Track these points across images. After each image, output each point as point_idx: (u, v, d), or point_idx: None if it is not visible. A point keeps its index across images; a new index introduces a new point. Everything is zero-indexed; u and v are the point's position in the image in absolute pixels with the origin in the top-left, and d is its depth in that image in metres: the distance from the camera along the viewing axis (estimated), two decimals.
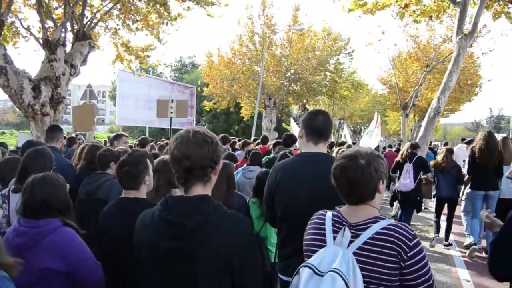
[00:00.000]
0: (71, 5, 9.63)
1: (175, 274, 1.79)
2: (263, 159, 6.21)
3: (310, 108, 32.23)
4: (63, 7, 9.95)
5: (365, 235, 1.86)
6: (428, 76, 20.44)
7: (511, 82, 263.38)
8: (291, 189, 2.72)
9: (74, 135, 8.98)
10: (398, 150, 19.95)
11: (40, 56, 9.71)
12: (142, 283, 1.90)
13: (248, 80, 24.09)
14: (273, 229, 2.83)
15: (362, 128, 45.00)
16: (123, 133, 7.47)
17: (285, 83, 24.97)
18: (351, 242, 1.88)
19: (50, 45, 9.38)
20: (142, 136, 8.76)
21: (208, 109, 29.15)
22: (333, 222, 1.99)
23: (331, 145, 9.15)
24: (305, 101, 28.60)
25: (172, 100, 10.76)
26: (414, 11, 11.36)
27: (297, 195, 2.67)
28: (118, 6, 10.95)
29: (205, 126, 45.44)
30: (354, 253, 1.83)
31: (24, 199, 2.48)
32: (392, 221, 1.93)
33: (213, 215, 1.80)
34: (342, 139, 18.82)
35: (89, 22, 10.54)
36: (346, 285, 1.70)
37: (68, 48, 10.16)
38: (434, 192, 8.27)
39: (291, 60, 24.02)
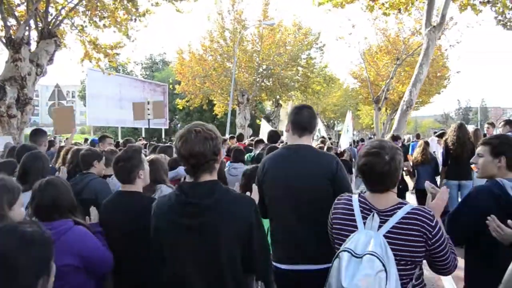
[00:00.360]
0: (34, 1, 9.32)
1: (195, 247, 2.11)
2: (246, 156, 6.22)
3: (283, 104, 32.40)
4: (25, 4, 9.62)
5: (392, 220, 2.12)
6: (399, 69, 20.75)
7: (477, 74, 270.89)
8: (277, 177, 2.88)
9: (53, 138, 8.78)
10: None
11: (3, 56, 9.40)
12: (168, 263, 2.21)
13: (221, 77, 23.94)
14: (266, 220, 2.94)
15: (335, 122, 45.46)
16: (107, 134, 7.45)
17: (258, 79, 24.94)
18: (380, 226, 2.13)
19: (13, 44, 9.06)
20: (126, 138, 8.70)
21: (181, 107, 28.84)
22: (361, 208, 2.24)
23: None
24: (278, 96, 28.68)
25: (148, 102, 10.79)
26: (383, 4, 11.47)
27: (281, 179, 2.85)
28: (84, 2, 10.66)
29: (179, 125, 45.00)
30: (384, 236, 2.07)
31: (35, 203, 2.64)
32: (413, 205, 2.20)
33: (225, 196, 2.16)
34: (316, 133, 18.92)
35: (54, 20, 10.23)
36: (383, 265, 1.95)
37: (33, 47, 9.85)
38: (413, 184, 8.27)
39: (262, 56, 23.99)
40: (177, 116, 44.63)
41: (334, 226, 2.33)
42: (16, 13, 10.03)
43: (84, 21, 11.50)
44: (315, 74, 27.82)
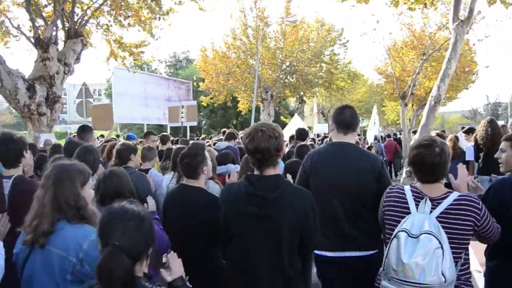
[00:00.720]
0: (61, 2, 9.50)
1: (259, 235, 2.43)
2: None
3: (307, 100, 32.23)
4: (52, 4, 9.81)
5: (443, 205, 2.37)
6: (425, 64, 20.33)
7: (507, 69, 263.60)
8: (325, 172, 3.13)
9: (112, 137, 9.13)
10: (396, 140, 19.95)
11: (32, 56, 9.61)
12: (234, 243, 2.55)
13: (244, 74, 23.97)
14: None
15: (360, 119, 44.96)
16: (152, 131, 7.90)
17: (281, 75, 24.86)
18: (431, 211, 2.36)
19: (42, 44, 9.27)
20: (163, 134, 9.01)
21: (205, 104, 29.03)
22: (414, 196, 2.48)
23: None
24: (302, 93, 28.51)
25: (183, 106, 11.40)
26: None
27: (330, 176, 3.10)
28: (109, 2, 10.81)
29: (203, 122, 45.28)
30: (436, 219, 2.31)
31: (100, 191, 2.91)
32: (461, 192, 2.49)
33: (287, 190, 2.48)
34: None
35: (80, 19, 10.42)
36: (439, 243, 2.18)
37: (61, 46, 10.05)
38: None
39: (285, 53, 23.89)
40: (201, 113, 44.95)
41: (386, 212, 2.60)
42: (44, 14, 10.25)
43: (109, 21, 11.65)
44: (339, 70, 27.55)
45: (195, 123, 12.97)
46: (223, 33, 24.82)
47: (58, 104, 9.60)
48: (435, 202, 2.40)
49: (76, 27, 10.10)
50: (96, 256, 1.78)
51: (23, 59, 12.36)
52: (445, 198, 2.41)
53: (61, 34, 10.21)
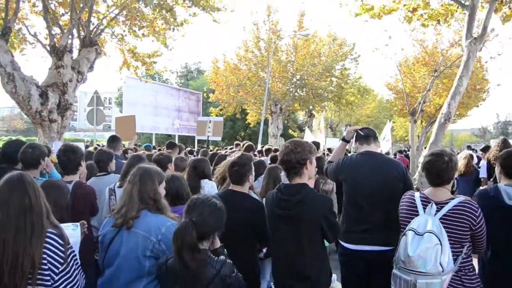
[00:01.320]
0: (78, 11, 9.63)
1: (286, 231, 3.00)
2: None
3: (316, 114, 32.24)
4: (69, 13, 9.95)
5: (446, 208, 2.86)
6: (436, 81, 20.29)
7: None
8: (356, 178, 3.63)
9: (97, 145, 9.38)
10: (407, 156, 19.85)
11: (47, 63, 9.72)
12: (271, 238, 3.20)
13: (254, 86, 24.04)
14: None
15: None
16: (174, 141, 8.49)
17: (291, 89, 24.91)
18: (436, 213, 2.85)
19: (57, 51, 9.38)
20: (170, 141, 9.26)
21: (214, 115, 29.15)
22: (422, 200, 2.99)
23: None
24: (311, 107, 28.52)
25: (210, 121, 12.09)
26: (421, 15, 11.25)
27: (361, 184, 3.59)
28: (124, 12, 10.95)
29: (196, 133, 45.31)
30: (440, 220, 2.81)
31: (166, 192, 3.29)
32: (462, 198, 2.92)
33: (309, 195, 2.99)
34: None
35: (95, 29, 10.54)
36: (439, 240, 2.69)
37: (75, 54, 10.16)
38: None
39: (296, 66, 23.96)
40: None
41: (401, 213, 3.12)
42: (60, 22, 10.40)
43: (124, 30, 11.81)
44: (349, 85, 27.56)
45: (219, 138, 13.41)
46: (235, 45, 24.98)
47: (69, 111, 9.67)
48: (439, 206, 2.90)
49: (91, 36, 10.22)
50: (170, 239, 2.43)
51: (37, 66, 12.53)
52: (448, 202, 2.90)
53: (76, 43, 10.33)
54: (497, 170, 3.47)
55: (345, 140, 4.10)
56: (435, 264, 2.69)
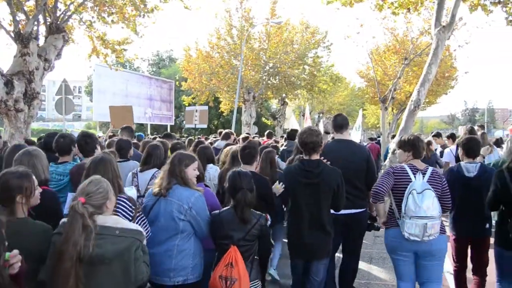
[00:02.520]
0: None
1: (309, 194, 3.99)
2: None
3: (289, 102, 32.34)
4: None
5: (427, 174, 4.01)
6: (406, 69, 20.63)
7: (485, 75, 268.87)
8: (334, 160, 4.34)
9: (111, 133, 9.78)
10: (378, 143, 20.17)
11: (12, 50, 9.40)
12: (294, 200, 4.15)
13: (227, 74, 23.91)
14: None
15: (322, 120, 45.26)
16: (172, 133, 9.10)
17: (264, 77, 24.89)
18: (423, 177, 3.97)
19: (22, 38, 9.08)
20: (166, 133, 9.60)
21: (187, 104, 28.87)
22: (411, 169, 4.04)
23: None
24: (284, 95, 28.61)
25: (197, 110, 13.67)
26: (392, 3, 11.38)
27: (338, 163, 4.30)
28: None
29: (184, 121, 45.01)
30: (427, 181, 3.94)
31: None
32: (431, 167, 4.17)
33: (326, 168, 4.05)
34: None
35: (62, 15, 10.24)
36: (434, 195, 3.83)
37: (41, 41, 9.87)
38: None
39: (269, 54, 23.93)
40: (183, 113, 44.69)
41: (397, 179, 4.04)
42: (25, 8, 10.04)
43: (93, 17, 11.49)
44: (321, 73, 27.74)
45: (205, 126, 14.02)
46: (207, 33, 24.70)
47: (37, 100, 9.41)
48: (423, 172, 4.02)
49: (58, 22, 9.93)
50: (199, 207, 3.51)
51: (1, 53, 12.12)
52: (427, 170, 4.07)
53: (42, 29, 10.02)
54: (460, 152, 4.81)
55: (327, 132, 5.22)
56: (436, 210, 3.81)
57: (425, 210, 3.75)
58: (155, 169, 4.60)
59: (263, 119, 36.69)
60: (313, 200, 3.99)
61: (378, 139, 21.84)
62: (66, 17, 10.35)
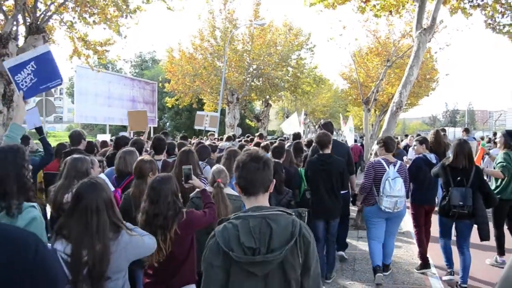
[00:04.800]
0: None
1: (325, 177, 5.77)
2: None
3: (273, 104, 32.34)
4: None
5: (396, 166, 5.76)
6: (388, 71, 20.82)
7: (465, 77, 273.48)
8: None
9: (127, 135, 10.12)
10: (361, 144, 20.32)
11: None
12: (314, 184, 5.90)
13: (211, 76, 23.85)
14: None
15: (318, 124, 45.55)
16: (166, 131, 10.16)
17: (248, 78, 24.90)
18: (394, 168, 5.71)
19: (0, 38, 8.89)
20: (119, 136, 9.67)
21: (170, 106, 28.75)
22: (385, 162, 5.78)
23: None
24: (267, 96, 28.65)
25: (207, 115, 14.68)
26: (374, 5, 11.47)
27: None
28: None
29: (167, 123, 44.74)
30: (397, 171, 5.68)
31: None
32: (399, 161, 5.99)
33: (335, 158, 5.87)
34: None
35: (42, 15, 10.06)
36: (402, 181, 5.63)
37: (21, 42, 9.67)
38: None
39: (253, 56, 23.95)
40: (166, 115, 44.41)
41: (376, 170, 5.80)
42: (4, 8, 9.84)
43: (74, 17, 11.31)
44: (305, 75, 27.87)
45: (215, 129, 14.89)
46: (190, 34, 24.59)
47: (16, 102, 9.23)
48: (394, 164, 5.78)
49: (38, 22, 9.75)
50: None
51: None
52: (396, 162, 5.85)
53: (22, 30, 9.84)
54: (420, 147, 6.79)
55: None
56: (402, 191, 5.61)
57: (396, 191, 5.53)
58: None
59: (247, 120, 36.67)
60: (328, 179, 5.76)
61: (361, 140, 22.00)
62: (47, 17, 10.18)
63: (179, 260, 3.34)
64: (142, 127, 10.52)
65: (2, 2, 9.81)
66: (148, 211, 3.22)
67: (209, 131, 14.48)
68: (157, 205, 3.20)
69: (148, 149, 7.14)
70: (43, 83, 4.42)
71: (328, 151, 5.89)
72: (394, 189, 5.49)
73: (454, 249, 5.81)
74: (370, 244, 5.92)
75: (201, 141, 9.96)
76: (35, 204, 2.70)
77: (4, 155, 2.68)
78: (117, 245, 2.67)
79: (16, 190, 2.57)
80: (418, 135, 11.60)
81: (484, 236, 5.41)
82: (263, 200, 2.20)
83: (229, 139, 10.65)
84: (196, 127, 14.79)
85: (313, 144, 6.72)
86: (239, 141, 10.83)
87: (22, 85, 4.33)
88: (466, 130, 13.05)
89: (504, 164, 6.48)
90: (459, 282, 5.58)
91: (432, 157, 6.51)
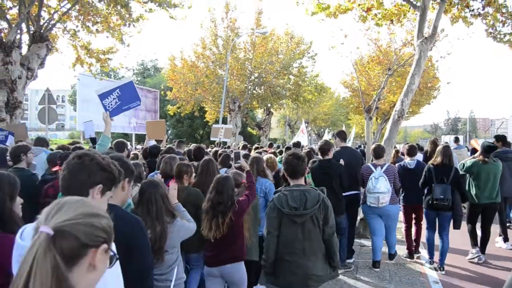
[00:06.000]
0: (27, 5, 9.24)
1: (325, 178, 6.27)
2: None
3: (274, 112, 32.37)
4: (17, 7, 9.53)
5: (383, 168, 6.65)
6: (390, 79, 20.85)
7: (466, 86, 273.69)
8: (341, 156, 6.94)
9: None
10: (362, 152, 20.29)
11: None
12: (316, 183, 6.20)
13: (212, 84, 23.92)
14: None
15: (327, 131, 45.72)
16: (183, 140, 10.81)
17: (249, 86, 24.95)
18: (380, 170, 6.61)
19: (4, 47, 8.97)
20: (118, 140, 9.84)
21: (172, 114, 28.75)
22: (373, 166, 6.73)
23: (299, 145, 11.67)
24: (269, 104, 28.68)
25: (222, 127, 15.52)
26: (376, 14, 11.51)
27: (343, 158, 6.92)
28: (77, 7, 10.59)
29: (169, 131, 44.80)
30: (383, 172, 6.58)
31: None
32: (387, 164, 6.92)
33: (334, 162, 6.58)
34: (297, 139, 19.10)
35: (46, 23, 10.15)
36: (385, 178, 6.49)
37: (24, 50, 9.75)
38: None
39: (254, 64, 24.03)
40: (168, 123, 44.43)
41: (364, 172, 6.75)
42: (8, 16, 9.94)
43: (77, 26, 11.42)
44: (306, 83, 27.92)
45: (229, 140, 16.96)
46: (192, 43, 24.72)
47: (19, 110, 9.28)
48: (380, 167, 6.63)
49: (42, 31, 9.83)
50: (271, 188, 5.69)
51: None
52: (384, 165, 6.68)
53: (26, 38, 9.91)
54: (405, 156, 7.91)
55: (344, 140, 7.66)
56: (386, 188, 6.44)
57: (378, 189, 6.43)
58: None
59: (249, 128, 36.70)
60: (328, 181, 6.18)
61: (361, 148, 21.97)
62: (50, 25, 10.26)
63: (230, 239, 4.11)
64: (160, 135, 11.18)
65: (6, 11, 9.90)
66: (213, 200, 4.08)
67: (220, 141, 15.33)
68: (221, 195, 4.08)
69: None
70: (125, 105, 5.58)
71: (328, 157, 6.60)
72: (376, 187, 6.45)
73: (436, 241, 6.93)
74: (372, 239, 6.86)
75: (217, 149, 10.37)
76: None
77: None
78: (173, 227, 3.59)
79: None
80: (418, 144, 11.78)
81: (457, 226, 6.57)
82: (301, 181, 3.82)
83: (245, 147, 11.37)
84: (212, 139, 15.56)
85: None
86: (231, 151, 10.72)
87: (108, 107, 5.50)
88: (456, 139, 14.22)
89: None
90: (439, 264, 6.69)
91: (411, 163, 7.38)
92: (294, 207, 3.57)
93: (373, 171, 6.59)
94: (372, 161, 7.05)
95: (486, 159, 7.16)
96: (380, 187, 6.41)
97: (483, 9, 10.87)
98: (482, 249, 7.31)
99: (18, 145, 5.32)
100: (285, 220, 3.60)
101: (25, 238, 1.63)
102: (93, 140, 7.15)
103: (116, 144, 7.16)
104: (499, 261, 7.20)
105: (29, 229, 1.66)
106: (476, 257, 7.17)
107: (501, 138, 8.49)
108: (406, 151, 7.90)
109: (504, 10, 10.74)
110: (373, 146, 7.16)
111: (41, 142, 7.24)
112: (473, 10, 10.91)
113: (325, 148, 6.67)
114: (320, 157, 7.11)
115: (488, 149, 7.22)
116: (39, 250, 1.10)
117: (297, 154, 3.81)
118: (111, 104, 5.57)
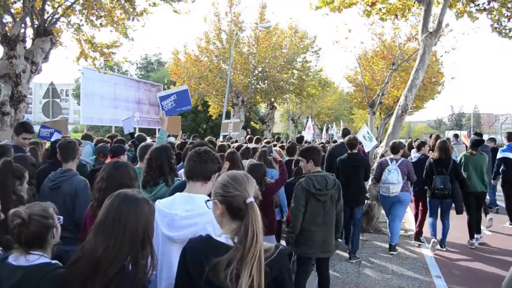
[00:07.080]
0: None
1: (353, 172, 7.11)
2: None
3: (278, 106, 32.30)
4: (22, 1, 9.54)
5: (398, 162, 7.40)
6: (394, 74, 20.80)
7: (471, 80, 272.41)
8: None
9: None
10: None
11: None
12: (344, 177, 6.86)
13: (216, 78, 23.90)
14: None
15: (329, 126, 45.67)
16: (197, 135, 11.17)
17: (253, 81, 24.93)
18: (396, 163, 7.42)
19: (9, 41, 8.98)
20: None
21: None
22: (390, 159, 7.51)
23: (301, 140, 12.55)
24: (273, 99, 28.64)
25: (231, 122, 16.27)
26: (380, 9, 11.48)
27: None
28: (81, 1, 10.59)
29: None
30: (398, 166, 7.36)
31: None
32: (403, 158, 7.64)
33: (360, 156, 7.49)
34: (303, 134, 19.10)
35: (50, 17, 10.15)
36: (397, 172, 7.28)
37: (29, 44, 9.76)
38: None
39: (258, 58, 23.98)
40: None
41: (381, 165, 7.59)
42: (12, 10, 9.94)
43: (81, 20, 11.41)
44: (310, 78, 27.85)
45: (238, 133, 17.36)
46: (196, 37, 24.70)
47: (23, 103, 9.29)
48: (396, 161, 7.41)
49: (46, 25, 9.84)
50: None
51: None
52: (399, 159, 7.43)
53: (30, 32, 9.92)
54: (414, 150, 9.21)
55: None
56: (397, 180, 7.17)
57: (389, 180, 7.20)
58: None
59: (252, 123, 36.69)
60: (356, 174, 7.01)
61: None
62: (54, 19, 10.27)
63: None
64: (176, 131, 11.54)
65: (11, 5, 9.91)
66: None
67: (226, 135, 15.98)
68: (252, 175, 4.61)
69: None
70: (179, 107, 6.54)
71: (355, 150, 7.26)
72: (388, 178, 7.24)
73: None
74: (391, 225, 7.54)
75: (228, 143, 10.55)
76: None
77: (159, 151, 4.16)
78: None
79: (168, 171, 4.05)
80: (410, 138, 11.89)
81: (458, 211, 7.51)
82: (322, 168, 5.02)
83: (258, 140, 11.65)
84: (223, 134, 15.95)
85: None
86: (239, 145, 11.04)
87: (165, 107, 6.42)
88: (456, 136, 15.01)
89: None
90: (441, 243, 7.63)
91: (412, 157, 8.56)
92: (319, 188, 4.56)
93: (389, 164, 7.38)
94: (375, 156, 7.77)
95: (474, 152, 8.14)
96: (392, 179, 7.19)
97: (488, 3, 10.82)
98: (477, 232, 8.17)
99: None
100: (311, 199, 4.57)
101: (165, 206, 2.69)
102: (132, 135, 8.27)
103: (138, 138, 7.84)
104: (495, 255, 7.49)
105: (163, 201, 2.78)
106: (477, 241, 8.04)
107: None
108: (416, 146, 9.18)
109: (509, 5, 10.68)
110: (391, 142, 7.87)
111: (88, 137, 8.94)
112: (478, 4, 10.86)
113: (353, 142, 7.32)
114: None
115: (476, 143, 8.29)
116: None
117: (317, 148, 4.92)
118: (168, 105, 6.50)
